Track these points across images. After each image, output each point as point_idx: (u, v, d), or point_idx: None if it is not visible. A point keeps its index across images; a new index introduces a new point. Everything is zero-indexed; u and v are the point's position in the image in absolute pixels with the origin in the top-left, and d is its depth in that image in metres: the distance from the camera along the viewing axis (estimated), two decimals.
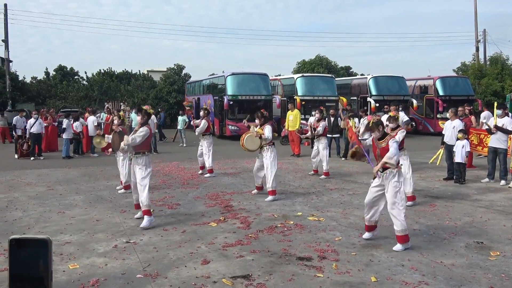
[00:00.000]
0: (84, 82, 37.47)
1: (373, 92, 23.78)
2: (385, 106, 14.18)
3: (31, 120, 15.66)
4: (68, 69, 39.44)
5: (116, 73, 37.46)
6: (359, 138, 7.32)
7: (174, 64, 35.54)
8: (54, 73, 38.60)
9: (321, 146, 11.34)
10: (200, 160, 11.75)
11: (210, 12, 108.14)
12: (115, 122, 9.43)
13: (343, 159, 14.96)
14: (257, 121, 9.09)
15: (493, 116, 12.38)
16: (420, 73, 34.79)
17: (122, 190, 9.50)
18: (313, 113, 12.49)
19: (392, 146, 5.77)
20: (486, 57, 36.30)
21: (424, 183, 10.40)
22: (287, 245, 5.88)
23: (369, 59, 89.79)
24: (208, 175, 11.39)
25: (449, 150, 10.77)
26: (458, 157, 10.26)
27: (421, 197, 8.90)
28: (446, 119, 11.95)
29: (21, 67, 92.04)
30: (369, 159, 8.24)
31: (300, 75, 25.23)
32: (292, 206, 8.18)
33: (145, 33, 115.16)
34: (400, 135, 7.78)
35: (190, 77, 34.84)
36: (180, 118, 20.63)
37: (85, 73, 39.39)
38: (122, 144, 7.02)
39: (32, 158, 15.42)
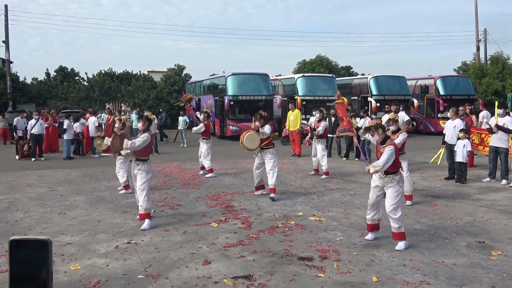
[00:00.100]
0: (85, 83, 37.47)
1: (374, 92, 23.76)
2: (386, 106, 14.21)
3: (32, 121, 15.67)
4: (69, 69, 39.43)
5: (116, 73, 37.46)
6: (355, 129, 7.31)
7: (175, 65, 35.57)
8: (54, 74, 38.60)
9: (319, 146, 11.33)
10: (201, 161, 11.77)
11: (210, 13, 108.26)
12: (116, 125, 9.46)
13: (344, 159, 14.95)
14: (257, 123, 9.10)
15: (491, 115, 12.38)
16: (421, 73, 34.81)
17: (123, 191, 9.51)
18: (313, 113, 12.47)
19: (386, 153, 5.67)
20: (487, 57, 36.26)
21: (425, 183, 10.39)
22: (288, 245, 5.88)
23: (369, 59, 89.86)
24: (209, 175, 11.40)
25: (450, 149, 10.76)
26: (459, 157, 10.25)
27: (422, 196, 8.89)
28: (447, 118, 11.93)
29: (21, 68, 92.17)
30: (364, 158, 8.24)
31: (300, 75, 25.22)
32: (293, 206, 8.18)
33: (146, 33, 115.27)
34: (401, 138, 7.78)
35: (190, 77, 34.84)
36: (180, 118, 20.63)
37: (86, 73, 39.30)
38: (123, 147, 7.05)
39: (33, 159, 15.43)
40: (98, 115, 17.88)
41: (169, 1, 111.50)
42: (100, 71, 37.20)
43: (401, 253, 5.55)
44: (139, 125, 7.29)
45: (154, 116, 17.06)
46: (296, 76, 24.90)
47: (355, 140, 14.85)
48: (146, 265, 5.23)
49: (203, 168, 11.79)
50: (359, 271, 4.96)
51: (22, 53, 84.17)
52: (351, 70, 44.39)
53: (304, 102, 22.27)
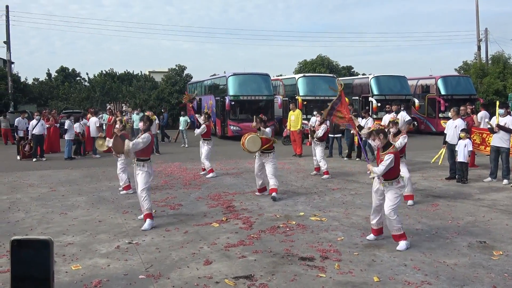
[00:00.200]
0: (86, 83, 37.52)
1: (375, 91, 23.74)
2: (387, 106, 14.20)
3: (33, 122, 15.69)
4: (70, 70, 39.47)
5: (117, 74, 37.50)
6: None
7: (176, 65, 35.58)
8: (56, 74, 38.63)
9: (318, 149, 11.35)
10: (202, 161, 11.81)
11: (211, 13, 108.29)
12: (117, 126, 9.48)
13: (345, 159, 14.94)
14: (255, 124, 9.12)
15: (490, 115, 12.38)
16: (421, 73, 34.82)
17: (124, 191, 9.52)
18: (314, 113, 12.47)
19: (385, 161, 5.72)
20: (488, 56, 36.22)
21: (426, 183, 10.38)
22: (289, 245, 5.88)
23: (370, 59, 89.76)
24: (209, 175, 11.42)
25: (451, 149, 10.75)
26: (461, 157, 10.23)
27: (423, 196, 8.89)
28: (448, 118, 11.92)
29: (23, 69, 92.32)
30: (367, 157, 8.26)
31: (301, 75, 25.20)
32: (294, 206, 8.18)
33: (147, 33, 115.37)
34: (401, 140, 7.77)
35: (191, 77, 34.84)
36: (181, 118, 20.64)
37: (87, 74, 39.39)
38: (124, 148, 7.05)
39: (34, 160, 15.45)
40: (100, 116, 17.90)
41: (170, 1, 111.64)
42: (101, 71, 37.26)
43: (402, 253, 5.55)
44: (140, 125, 7.32)
45: (156, 117, 17.06)
46: (297, 76, 24.89)
47: (356, 138, 14.92)
48: (147, 265, 5.24)
49: (204, 169, 11.80)
50: (360, 271, 4.96)
51: (23, 54, 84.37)
52: (352, 70, 44.36)
53: (305, 102, 22.26)
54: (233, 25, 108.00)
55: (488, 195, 8.98)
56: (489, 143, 10.87)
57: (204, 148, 11.58)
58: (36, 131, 15.38)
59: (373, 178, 6.12)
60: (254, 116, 9.29)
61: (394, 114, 12.57)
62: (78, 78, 39.15)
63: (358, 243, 5.98)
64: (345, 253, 5.56)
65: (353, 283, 4.64)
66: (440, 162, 12.27)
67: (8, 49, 29.94)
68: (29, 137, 15.75)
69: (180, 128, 20.56)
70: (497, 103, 10.53)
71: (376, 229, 6.10)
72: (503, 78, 32.48)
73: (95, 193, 9.68)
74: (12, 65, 30.61)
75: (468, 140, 10.30)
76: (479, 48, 35.80)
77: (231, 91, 22.20)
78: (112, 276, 4.91)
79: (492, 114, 11.98)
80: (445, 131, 11.18)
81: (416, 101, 23.70)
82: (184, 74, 35.28)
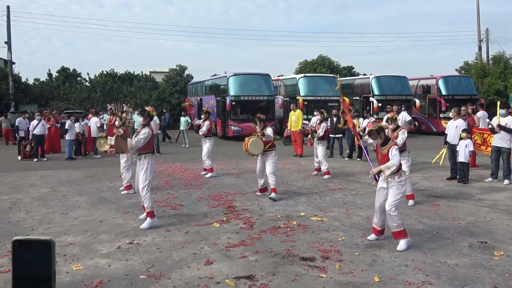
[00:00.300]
0: (87, 84, 37.55)
1: (376, 92, 23.74)
2: (388, 106, 14.19)
3: (34, 122, 15.70)
4: (71, 70, 39.49)
5: (118, 74, 37.53)
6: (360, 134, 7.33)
7: (176, 65, 35.58)
8: (56, 74, 38.65)
9: (320, 147, 11.35)
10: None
11: (211, 13, 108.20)
12: (117, 124, 9.49)
13: (346, 159, 14.94)
14: (257, 128, 9.12)
15: (488, 115, 12.37)
16: (422, 73, 34.79)
17: (125, 191, 9.52)
18: (315, 113, 12.47)
19: (395, 155, 5.78)
20: (489, 56, 36.20)
21: (427, 183, 10.38)
22: (290, 246, 5.88)
23: (371, 59, 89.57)
24: (209, 174, 11.43)
25: (452, 149, 10.75)
26: (462, 157, 10.23)
27: (425, 196, 8.88)
28: (449, 118, 11.91)
29: (23, 69, 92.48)
30: (369, 158, 8.26)
31: (302, 75, 25.21)
32: (295, 207, 8.18)
33: (147, 34, 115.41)
34: (401, 136, 7.76)
35: (192, 77, 34.85)
36: (182, 119, 20.64)
37: (88, 74, 39.53)
38: (128, 147, 7.07)
39: (35, 160, 15.46)
40: (101, 116, 17.90)
41: (170, 1, 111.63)
42: (102, 71, 37.29)
43: (403, 253, 5.55)
44: (140, 120, 7.30)
45: (156, 116, 16.97)
46: (297, 76, 24.90)
47: (357, 139, 14.91)
48: (148, 265, 5.24)
49: (205, 169, 11.80)
50: (361, 271, 4.96)
51: (24, 54, 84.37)
52: (353, 70, 44.35)
53: (306, 103, 22.26)
54: (234, 25, 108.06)
55: (489, 195, 8.97)
56: (490, 143, 10.86)
57: (205, 146, 11.60)
58: (37, 131, 15.39)
59: (374, 178, 6.13)
60: (254, 119, 9.27)
61: (395, 114, 12.55)
62: (79, 78, 39.19)
63: (359, 243, 5.98)
64: (346, 253, 5.56)
65: (354, 283, 4.64)
66: (441, 163, 12.26)
67: (9, 49, 29.97)
68: (30, 137, 15.77)
69: (181, 128, 20.56)
70: (498, 103, 10.52)
71: (379, 230, 6.09)
72: (504, 78, 32.45)
73: (96, 193, 9.68)
74: (13, 65, 30.63)
75: (469, 140, 10.29)
76: (480, 48, 35.79)
77: (232, 91, 22.21)
78: (113, 276, 4.91)
79: (492, 114, 11.97)
80: (446, 131, 11.17)
81: (417, 101, 23.69)
82: (185, 74, 35.29)
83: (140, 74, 38.86)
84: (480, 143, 11.67)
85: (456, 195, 9.08)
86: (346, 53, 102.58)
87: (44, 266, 1.14)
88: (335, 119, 15.28)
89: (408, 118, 12.44)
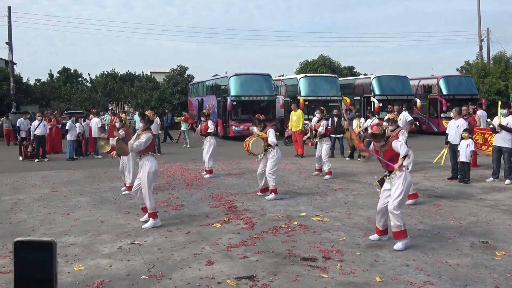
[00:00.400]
0: (88, 84, 37.57)
1: (377, 92, 23.73)
2: (389, 106, 14.20)
3: (35, 122, 15.72)
4: (72, 71, 39.51)
5: (119, 74, 37.55)
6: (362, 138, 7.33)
7: (177, 65, 35.57)
8: (57, 75, 38.66)
9: (324, 146, 11.33)
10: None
11: (212, 13, 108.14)
12: (117, 125, 9.51)
13: (347, 159, 14.93)
14: (255, 129, 9.10)
15: (487, 115, 12.35)
16: (423, 73, 34.78)
17: (126, 192, 9.52)
18: (315, 113, 12.46)
19: (401, 144, 5.85)
20: (490, 56, 36.17)
21: (429, 183, 10.37)
22: (291, 246, 5.88)
23: (372, 59, 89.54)
24: (207, 176, 11.42)
25: (453, 149, 10.74)
26: (463, 157, 10.22)
27: (426, 196, 8.87)
28: (450, 118, 11.91)
29: (24, 70, 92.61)
30: (378, 156, 8.22)
31: (303, 75, 25.19)
32: (296, 207, 8.18)
33: (148, 34, 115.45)
34: (402, 137, 7.75)
35: (193, 78, 34.85)
36: None
37: (89, 75, 39.56)
38: (129, 149, 7.08)
39: (36, 160, 15.48)
40: (102, 117, 17.92)
41: (171, 2, 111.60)
42: (103, 72, 37.34)
43: (405, 253, 5.54)
44: (140, 124, 7.29)
45: (158, 117, 16.98)
46: (298, 76, 24.89)
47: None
48: (150, 265, 5.24)
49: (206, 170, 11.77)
50: (363, 272, 4.96)
51: (25, 55, 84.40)
52: (354, 70, 44.32)
53: (307, 103, 22.24)
54: (235, 26, 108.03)
55: (490, 195, 8.96)
56: (491, 143, 10.85)
57: (207, 145, 11.57)
58: (38, 131, 15.41)
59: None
60: (254, 120, 9.21)
61: (396, 114, 12.55)
62: (80, 78, 39.21)
63: (360, 243, 5.97)
64: (347, 254, 5.56)
65: (355, 284, 4.64)
66: (442, 162, 12.25)
67: (10, 50, 30.01)
68: (31, 138, 15.78)
69: (182, 128, 20.56)
70: (499, 103, 10.51)
71: (381, 230, 6.08)
72: (505, 78, 32.42)
73: (97, 193, 9.69)
74: (14, 66, 30.67)
75: (470, 140, 10.29)
76: (480, 48, 35.78)
77: (232, 92, 22.21)
78: (114, 277, 4.91)
79: (493, 114, 11.97)
80: (447, 131, 11.16)
81: (418, 101, 23.69)
82: (186, 74, 35.30)
83: (141, 74, 38.88)
84: (482, 143, 11.66)
85: (457, 195, 9.07)
86: (347, 53, 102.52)
87: (46, 267, 1.14)
88: (336, 119, 15.28)
89: (409, 118, 12.44)
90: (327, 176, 11.13)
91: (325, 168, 11.21)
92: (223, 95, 23.43)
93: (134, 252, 5.73)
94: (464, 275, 4.83)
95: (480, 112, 12.76)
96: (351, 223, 7.02)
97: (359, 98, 24.87)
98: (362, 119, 15.55)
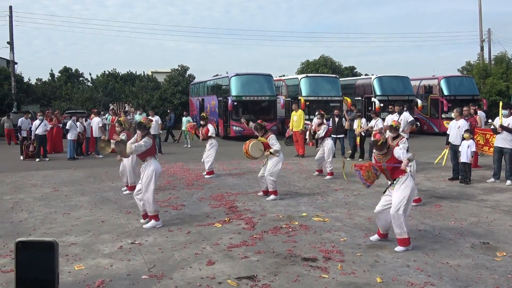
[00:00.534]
0: (89, 84, 37.60)
1: (378, 92, 23.70)
2: (390, 106, 14.15)
3: (36, 122, 15.73)
4: (73, 70, 39.55)
5: (120, 74, 37.58)
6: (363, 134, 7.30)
7: (178, 65, 35.55)
8: (59, 74, 38.72)
9: (326, 147, 11.35)
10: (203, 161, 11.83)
11: (213, 13, 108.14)
12: (117, 129, 9.51)
13: (348, 159, 14.92)
14: (257, 133, 9.09)
15: (486, 116, 12.34)
16: (424, 73, 34.77)
17: (127, 191, 9.53)
18: (316, 117, 12.46)
19: (402, 152, 5.82)
20: (491, 57, 36.17)
21: (429, 184, 10.36)
22: (292, 246, 5.88)
23: (373, 59, 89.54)
24: (207, 176, 11.42)
25: (454, 150, 10.73)
26: (464, 157, 10.21)
27: (427, 197, 8.86)
28: (451, 119, 11.91)
29: (26, 69, 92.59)
30: (381, 165, 8.13)
31: (304, 75, 25.17)
32: (297, 207, 8.17)
33: (149, 34, 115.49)
34: (402, 145, 7.74)
35: (194, 78, 34.86)
36: (184, 119, 20.65)
37: (90, 74, 39.46)
38: (127, 151, 7.08)
39: (37, 160, 15.49)
40: (103, 117, 17.92)
41: (172, 2, 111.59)
42: (104, 72, 37.41)
43: (405, 254, 5.54)
44: (138, 132, 7.23)
45: (154, 119, 16.61)
46: (299, 76, 24.87)
47: (358, 139, 14.89)
48: (150, 265, 5.25)
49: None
50: (363, 272, 4.96)
51: (26, 54, 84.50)
52: (355, 71, 44.33)
53: (308, 103, 22.23)
54: (236, 26, 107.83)
55: (491, 196, 8.95)
56: (492, 144, 10.84)
57: (209, 147, 11.60)
58: (39, 131, 15.42)
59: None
60: (256, 126, 9.18)
61: (397, 115, 12.55)
62: (81, 78, 39.26)
63: (361, 244, 5.97)
64: (348, 254, 5.56)
65: (356, 284, 4.63)
66: (443, 163, 12.24)
67: (12, 49, 30.04)
68: (32, 137, 15.79)
69: (183, 128, 20.57)
70: (501, 103, 10.50)
71: (382, 233, 6.06)
72: (506, 78, 32.42)
73: (98, 193, 9.70)
74: (16, 66, 30.70)
75: (471, 140, 10.28)
76: (482, 48, 35.78)
77: (233, 92, 22.20)
78: (115, 276, 4.91)
79: (495, 114, 11.96)
80: (448, 132, 11.16)
81: (419, 101, 23.66)
82: (187, 74, 35.31)
83: (142, 74, 38.90)
84: (483, 143, 11.64)
85: (458, 195, 9.07)
86: (348, 53, 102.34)
87: (48, 268, 1.14)
88: (336, 119, 15.27)
89: (410, 118, 12.43)
90: (328, 177, 11.14)
91: (328, 169, 11.22)
92: (224, 95, 23.42)
93: (135, 252, 5.73)
94: (465, 276, 4.82)
95: (480, 113, 12.75)
96: (352, 223, 7.02)
97: (360, 98, 24.85)
98: (363, 120, 15.52)
